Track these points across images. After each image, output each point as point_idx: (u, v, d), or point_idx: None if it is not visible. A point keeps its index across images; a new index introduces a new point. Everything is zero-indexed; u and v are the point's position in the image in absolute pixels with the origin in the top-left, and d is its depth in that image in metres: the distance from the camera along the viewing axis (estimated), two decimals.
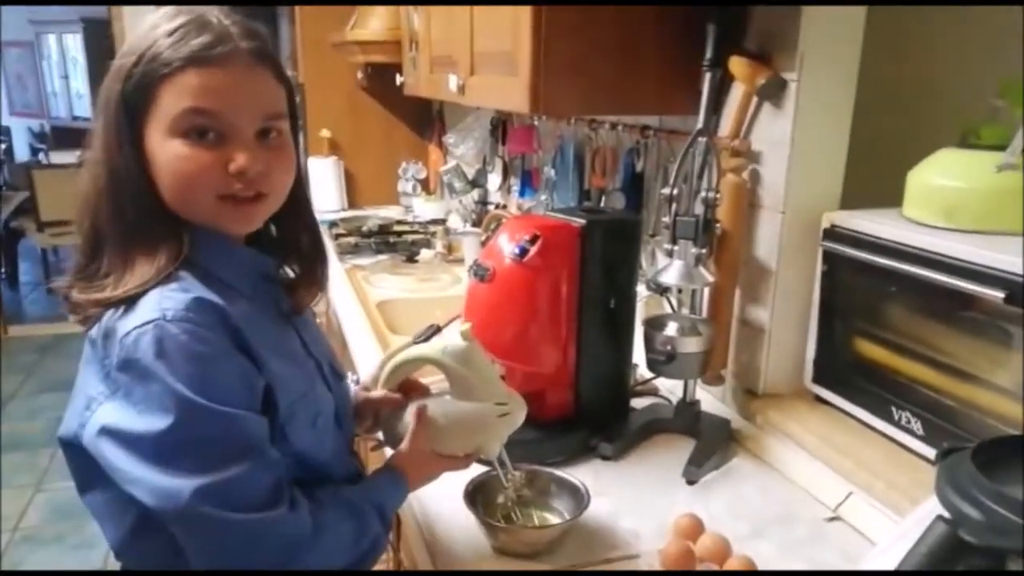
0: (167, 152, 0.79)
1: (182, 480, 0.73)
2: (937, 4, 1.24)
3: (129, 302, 0.77)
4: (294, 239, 0.94)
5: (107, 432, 0.76)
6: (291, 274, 0.94)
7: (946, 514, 0.57)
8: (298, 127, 0.90)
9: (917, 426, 1.07)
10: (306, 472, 0.87)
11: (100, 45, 5.66)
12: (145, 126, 0.79)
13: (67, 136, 7.53)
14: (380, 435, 1.07)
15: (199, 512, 0.73)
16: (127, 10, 4.08)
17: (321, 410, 0.90)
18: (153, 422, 0.73)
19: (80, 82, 7.59)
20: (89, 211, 0.82)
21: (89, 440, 0.78)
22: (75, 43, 7.46)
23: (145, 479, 0.74)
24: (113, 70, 0.81)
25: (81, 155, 0.84)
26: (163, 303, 0.76)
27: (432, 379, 1.06)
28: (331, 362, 0.99)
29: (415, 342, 1.57)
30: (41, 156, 7.28)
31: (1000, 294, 0.90)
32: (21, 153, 7.69)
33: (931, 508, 0.61)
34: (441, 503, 1.10)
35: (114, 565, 0.90)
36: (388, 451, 1.05)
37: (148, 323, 0.74)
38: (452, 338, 1.03)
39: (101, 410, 0.77)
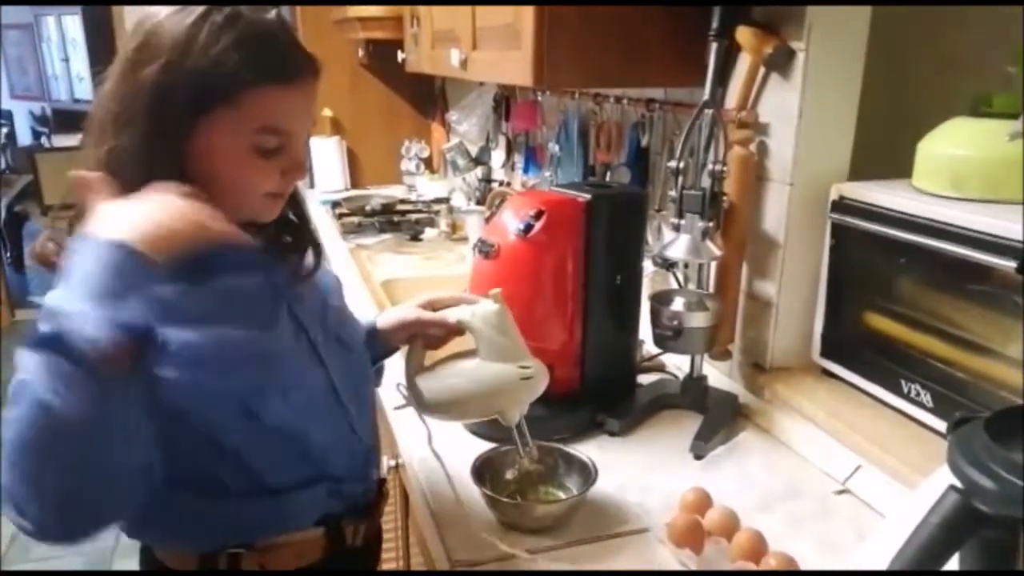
0: (234, 156, 0.82)
1: None
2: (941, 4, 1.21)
3: None
4: (284, 213, 0.94)
5: None
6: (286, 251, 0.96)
7: (959, 484, 0.57)
8: None
9: (926, 398, 1.06)
10: (295, 455, 0.87)
11: (99, 27, 5.63)
12: (210, 119, 0.79)
13: (69, 119, 7.49)
14: (404, 388, 1.06)
15: None
16: None
17: (294, 386, 0.88)
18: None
19: (81, 64, 7.53)
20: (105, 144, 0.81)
21: None
22: (74, 24, 7.40)
23: None
24: (164, 58, 0.78)
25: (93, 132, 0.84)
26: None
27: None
28: (338, 333, 0.98)
29: None
30: (43, 139, 7.25)
31: (1012, 264, 0.89)
32: (23, 137, 7.67)
33: (943, 479, 0.60)
34: (448, 478, 1.10)
35: (114, 565, 0.90)
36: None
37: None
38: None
39: None
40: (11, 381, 0.68)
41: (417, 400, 1.04)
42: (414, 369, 1.06)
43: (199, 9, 0.79)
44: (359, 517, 0.97)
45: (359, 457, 0.97)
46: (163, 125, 0.79)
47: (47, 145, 6.33)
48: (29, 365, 0.67)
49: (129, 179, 0.78)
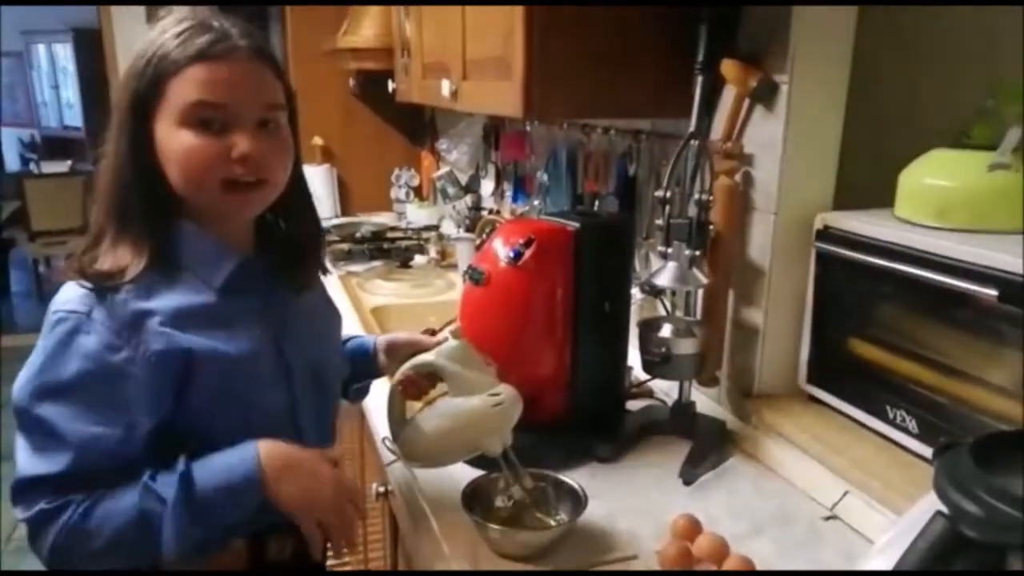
0: (176, 142, 0.86)
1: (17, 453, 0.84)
2: (929, 4, 1.24)
3: (95, 279, 0.85)
4: (297, 230, 1.01)
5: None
6: (291, 262, 1.00)
7: (945, 510, 0.58)
8: (296, 124, 0.95)
9: (912, 424, 1.07)
10: None
11: (90, 55, 5.65)
12: (155, 121, 0.86)
13: (58, 146, 7.50)
14: (390, 442, 1.07)
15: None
16: (116, 19, 4.07)
17: (257, 411, 0.92)
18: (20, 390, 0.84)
19: (70, 92, 7.56)
20: (101, 202, 0.89)
21: None
22: (65, 53, 7.44)
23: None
24: (125, 73, 0.88)
25: (96, 156, 0.91)
26: (100, 301, 0.84)
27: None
28: (317, 369, 1.00)
29: None
30: (32, 166, 7.24)
31: (994, 292, 0.91)
32: (11, 163, 7.66)
33: (929, 504, 0.61)
34: (439, 505, 1.10)
35: None
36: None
37: (75, 313, 0.84)
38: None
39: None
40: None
41: (404, 452, 1.06)
42: (397, 421, 1.07)
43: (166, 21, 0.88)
44: (286, 533, 0.95)
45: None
46: (127, 131, 0.87)
47: (36, 171, 6.32)
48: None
49: (121, 194, 0.88)
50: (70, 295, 0.85)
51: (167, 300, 0.87)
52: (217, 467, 0.85)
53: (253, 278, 0.95)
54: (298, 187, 0.99)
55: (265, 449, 0.86)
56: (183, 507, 0.82)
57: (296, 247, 1.00)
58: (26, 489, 0.83)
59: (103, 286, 0.85)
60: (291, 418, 0.96)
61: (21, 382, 0.85)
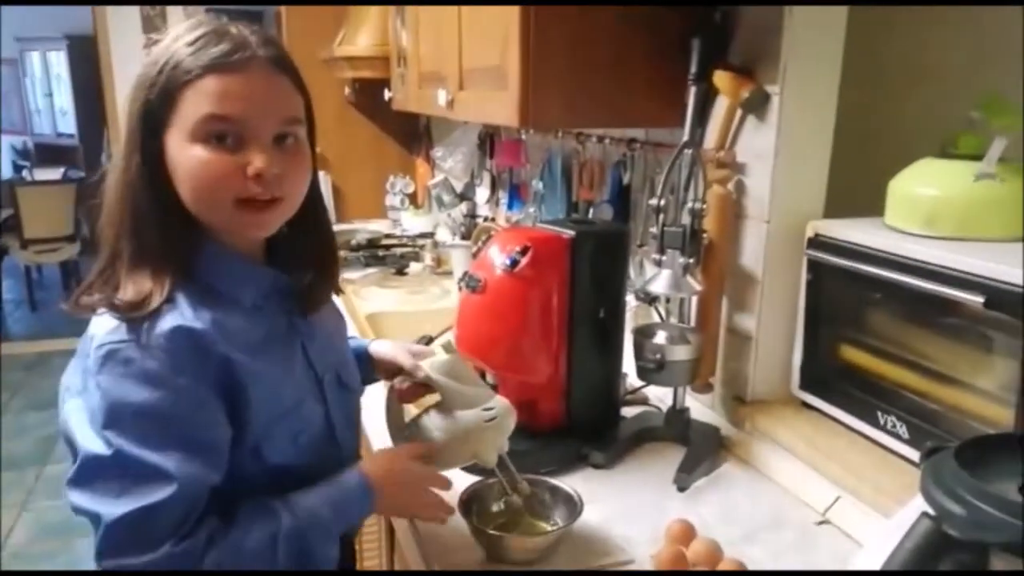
0: (187, 157, 0.81)
1: (99, 506, 0.76)
2: (925, 4, 1.26)
3: (125, 310, 0.79)
4: (311, 246, 0.96)
5: (65, 425, 0.81)
6: (306, 280, 0.95)
7: (931, 511, 0.59)
8: (314, 136, 0.93)
9: (902, 430, 1.09)
10: (285, 489, 0.87)
11: (84, 62, 5.65)
12: (166, 133, 0.82)
13: (51, 153, 7.48)
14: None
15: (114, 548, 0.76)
16: (112, 27, 4.08)
17: (304, 428, 0.91)
18: (89, 439, 0.78)
19: (64, 99, 7.55)
20: (111, 219, 0.85)
21: (62, 427, 0.83)
22: (59, 60, 7.44)
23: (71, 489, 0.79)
24: (136, 81, 0.83)
25: (102, 172, 0.87)
26: (143, 326, 0.79)
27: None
28: (339, 372, 1.00)
29: None
30: (25, 173, 7.22)
31: (980, 299, 0.93)
32: (4, 170, 7.64)
33: (917, 507, 0.63)
34: None
35: None
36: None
37: (124, 342, 0.78)
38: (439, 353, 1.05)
39: (71, 402, 0.82)
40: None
41: (395, 434, 1.06)
42: (397, 427, 1.07)
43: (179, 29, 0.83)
44: None
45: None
46: (138, 143, 0.83)
47: (28, 179, 6.30)
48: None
49: (134, 215, 0.83)
50: (108, 325, 0.80)
51: (206, 318, 0.82)
52: (332, 501, 0.87)
53: (279, 294, 0.92)
54: (314, 203, 0.96)
55: (369, 473, 0.90)
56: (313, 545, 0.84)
57: (312, 263, 0.95)
58: (134, 531, 0.75)
59: (133, 317, 0.79)
60: (326, 421, 0.96)
61: (83, 428, 0.79)
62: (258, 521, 0.82)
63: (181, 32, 0.83)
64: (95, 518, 0.77)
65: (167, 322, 0.79)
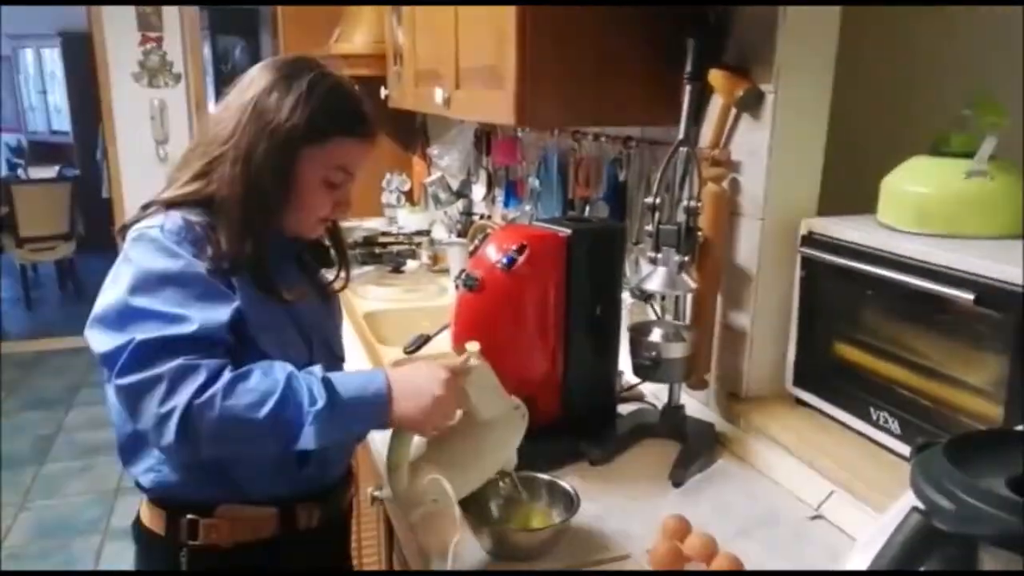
0: (311, 183, 1.03)
1: (127, 336, 0.90)
2: (918, 4, 1.27)
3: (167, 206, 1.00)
4: (334, 238, 1.18)
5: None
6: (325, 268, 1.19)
7: (920, 505, 0.60)
8: None
9: (894, 425, 1.10)
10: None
11: (78, 59, 5.63)
12: (305, 149, 1.00)
13: (45, 151, 7.46)
14: (378, 491, 1.10)
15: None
16: (107, 24, 4.07)
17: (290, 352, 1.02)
18: (119, 294, 0.94)
19: (58, 96, 7.53)
20: (217, 174, 1.00)
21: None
22: (53, 57, 7.41)
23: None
24: (285, 81, 1.00)
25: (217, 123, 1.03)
26: (183, 225, 0.97)
27: None
28: (329, 341, 1.16)
29: (406, 352, 1.59)
30: (19, 171, 7.21)
31: (970, 296, 0.94)
32: None
33: (907, 502, 0.64)
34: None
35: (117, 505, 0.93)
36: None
37: (152, 227, 0.97)
38: (442, 347, 1.06)
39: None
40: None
41: (410, 493, 1.01)
42: (398, 467, 1.01)
43: (305, 75, 1.01)
44: (314, 502, 1.09)
45: (323, 452, 0.98)
46: (276, 158, 1.00)
47: (23, 177, 6.28)
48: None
49: (234, 188, 1.00)
50: (153, 222, 0.98)
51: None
52: (351, 382, 0.95)
53: (295, 263, 1.13)
54: None
55: (392, 374, 0.97)
56: (328, 407, 0.90)
57: (335, 251, 1.18)
58: (160, 348, 0.89)
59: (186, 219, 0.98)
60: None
61: (119, 288, 0.93)
62: (271, 372, 0.93)
63: (319, 83, 1.01)
64: (120, 348, 0.90)
65: (198, 226, 0.98)
